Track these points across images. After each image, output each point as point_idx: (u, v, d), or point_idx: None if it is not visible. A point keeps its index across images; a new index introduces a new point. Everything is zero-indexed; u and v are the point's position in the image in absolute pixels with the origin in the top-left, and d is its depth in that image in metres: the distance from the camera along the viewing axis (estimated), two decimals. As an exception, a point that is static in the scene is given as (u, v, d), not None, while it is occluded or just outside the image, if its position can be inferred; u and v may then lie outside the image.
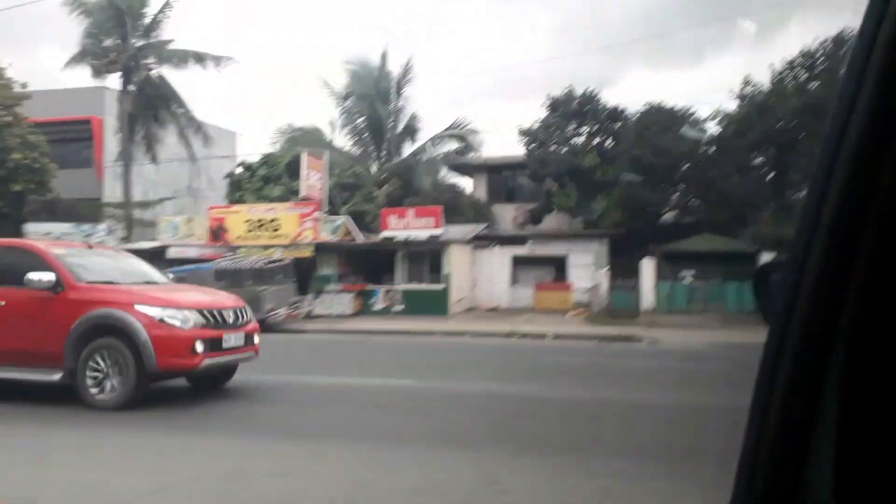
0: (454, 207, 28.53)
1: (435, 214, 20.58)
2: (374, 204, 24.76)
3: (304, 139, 28.67)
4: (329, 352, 14.25)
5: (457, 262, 21.69)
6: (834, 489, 0.72)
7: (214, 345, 7.61)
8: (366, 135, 29.50)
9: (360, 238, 21.44)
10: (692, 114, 24.41)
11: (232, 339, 7.88)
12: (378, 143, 29.57)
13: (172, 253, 21.95)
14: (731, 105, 27.37)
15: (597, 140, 27.39)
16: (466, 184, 32.74)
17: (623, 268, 23.67)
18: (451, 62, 65.91)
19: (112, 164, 27.85)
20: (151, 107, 25.78)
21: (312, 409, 7.74)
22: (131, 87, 25.35)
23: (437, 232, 20.40)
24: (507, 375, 10.57)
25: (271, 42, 73.51)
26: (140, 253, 24.44)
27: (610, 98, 38.81)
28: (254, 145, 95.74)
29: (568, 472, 5.18)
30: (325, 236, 21.23)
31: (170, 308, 7.44)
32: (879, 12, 0.69)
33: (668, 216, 26.38)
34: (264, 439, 6.24)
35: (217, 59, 25.59)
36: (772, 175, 25.84)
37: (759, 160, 26.03)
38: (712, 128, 27.09)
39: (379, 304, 21.04)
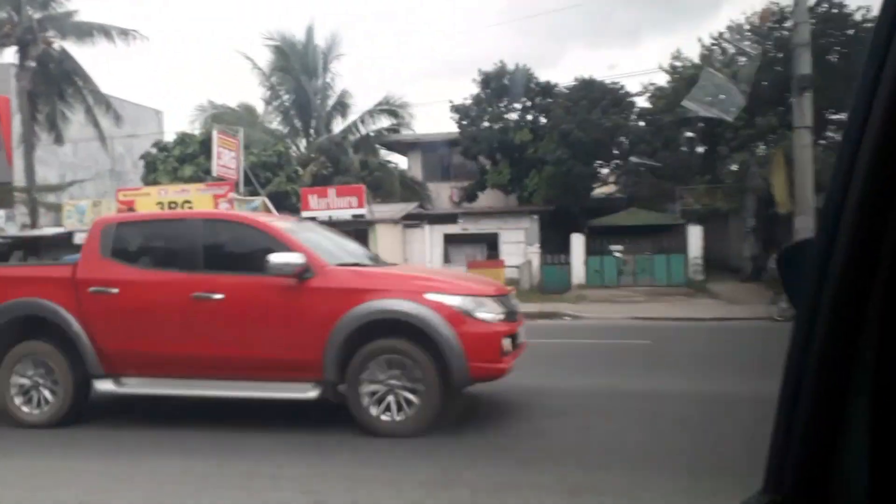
0: (386, 186, 27.80)
1: (358, 193, 19.81)
2: (299, 183, 23.78)
3: (227, 117, 27.31)
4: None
5: (385, 242, 21.01)
6: (868, 479, 0.70)
7: (513, 342, 5.79)
8: (293, 112, 28.31)
9: (281, 219, 20.50)
10: (621, 88, 24.17)
11: (522, 332, 6.12)
12: (306, 121, 28.45)
13: (79, 239, 20.52)
14: (663, 80, 27.50)
15: (530, 116, 27.05)
16: (402, 161, 32.05)
17: (555, 244, 23.44)
18: (388, 38, 64.57)
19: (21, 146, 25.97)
20: (54, 83, 23.99)
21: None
22: (30, 63, 23.50)
23: (361, 211, 19.65)
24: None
25: (196, 16, 70.42)
26: (43, 240, 23.18)
27: (554, 78, 38.62)
28: (181, 124, 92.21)
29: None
30: (244, 218, 20.21)
31: (469, 296, 5.60)
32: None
33: (600, 191, 26.29)
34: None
35: (124, 33, 23.97)
36: (701, 149, 26.00)
37: (688, 135, 26.16)
38: (643, 103, 27.17)
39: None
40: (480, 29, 60.81)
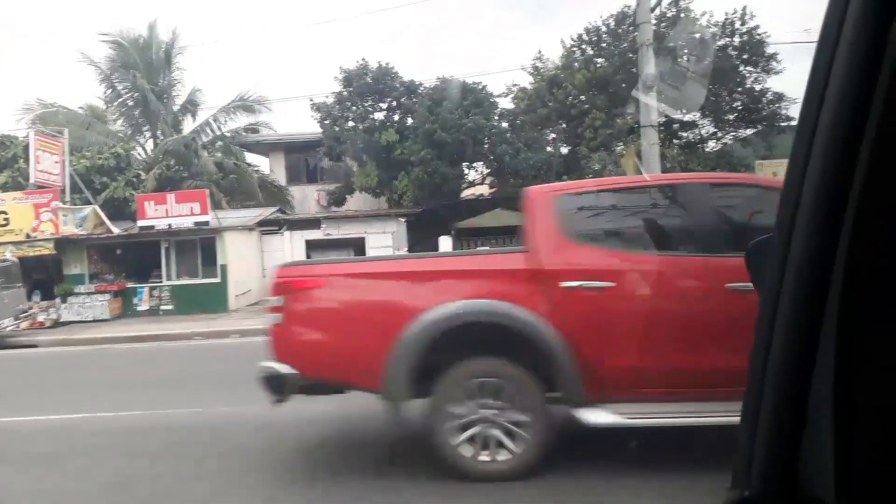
0: (246, 190, 26.06)
1: (200, 199, 18.12)
2: (142, 189, 21.61)
3: (60, 117, 24.45)
4: (36, 372, 11.60)
5: (237, 250, 19.43)
6: (833, 469, 0.72)
7: None
8: (136, 111, 25.86)
9: (115, 229, 18.41)
10: (483, 87, 23.96)
11: None
12: (152, 121, 26.08)
13: None
14: (527, 80, 27.68)
15: (397, 116, 26.30)
16: (263, 163, 30.27)
17: (424, 247, 22.84)
18: (247, 32, 61.64)
19: None
20: None
21: None
22: None
23: (204, 218, 17.99)
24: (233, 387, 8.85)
25: (31, 9, 63.99)
26: None
27: (427, 77, 37.99)
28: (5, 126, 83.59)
29: None
30: (71, 229, 17.93)
31: None
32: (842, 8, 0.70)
33: (470, 192, 26.02)
34: None
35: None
36: (563, 149, 26.36)
37: (551, 136, 26.45)
38: (506, 103, 27.21)
39: (144, 304, 18.25)
40: (350, 23, 59.50)
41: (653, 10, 15.94)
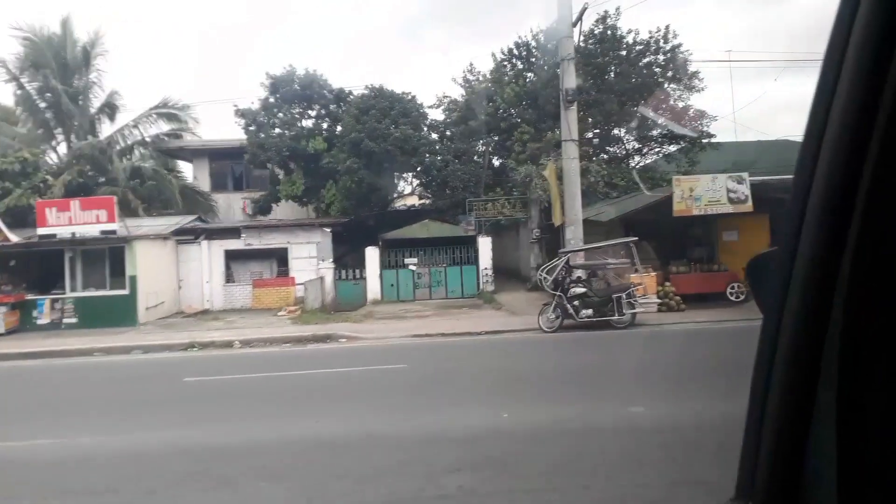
0: (164, 197, 25.01)
1: (107, 206, 17.18)
2: (49, 195, 20.39)
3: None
4: None
5: (150, 261, 18.52)
6: (836, 480, 0.72)
7: None
8: (48, 113, 24.49)
9: (14, 238, 17.26)
10: (413, 97, 23.75)
11: None
12: (65, 123, 24.75)
13: None
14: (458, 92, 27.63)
15: (326, 124, 25.78)
16: (187, 170, 29.19)
17: (351, 258, 22.40)
18: (174, 35, 59.83)
19: None
20: None
21: None
22: None
23: (112, 227, 17.06)
24: (117, 412, 8.26)
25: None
26: None
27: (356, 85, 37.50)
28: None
29: None
30: (-37, 238, 16.72)
31: None
32: (851, 12, 0.71)
33: (401, 203, 25.72)
34: None
35: None
36: (492, 161, 26.41)
37: (481, 148, 26.45)
38: (437, 114, 27.11)
39: (44, 317, 17.14)
40: (294, 32, 58.42)
41: (574, 24, 16.07)
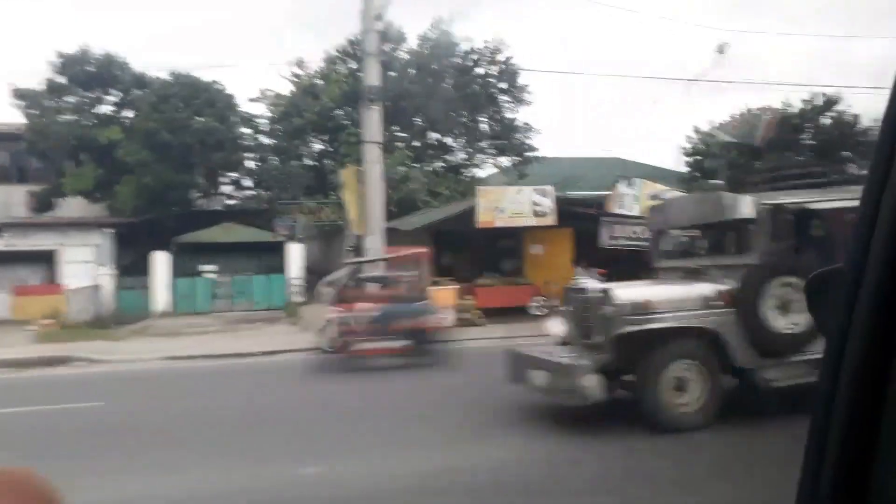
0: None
1: None
2: None
3: None
4: None
5: None
6: None
7: None
8: None
9: None
10: (216, 84, 21.54)
11: None
12: None
13: None
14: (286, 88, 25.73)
15: (130, 113, 22.90)
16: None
17: (138, 263, 19.73)
18: None
19: None
20: None
21: None
22: None
23: None
24: None
25: None
26: None
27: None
28: None
29: None
30: None
31: None
32: None
33: (204, 203, 23.32)
34: None
35: None
36: (317, 162, 24.79)
37: (307, 148, 24.76)
38: (261, 110, 25.11)
39: None
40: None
41: (377, 17, 14.91)
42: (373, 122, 15.03)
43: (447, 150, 25.56)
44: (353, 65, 25.90)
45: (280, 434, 6.49)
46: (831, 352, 0.78)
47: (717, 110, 47.63)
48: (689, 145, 23.01)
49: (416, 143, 23.98)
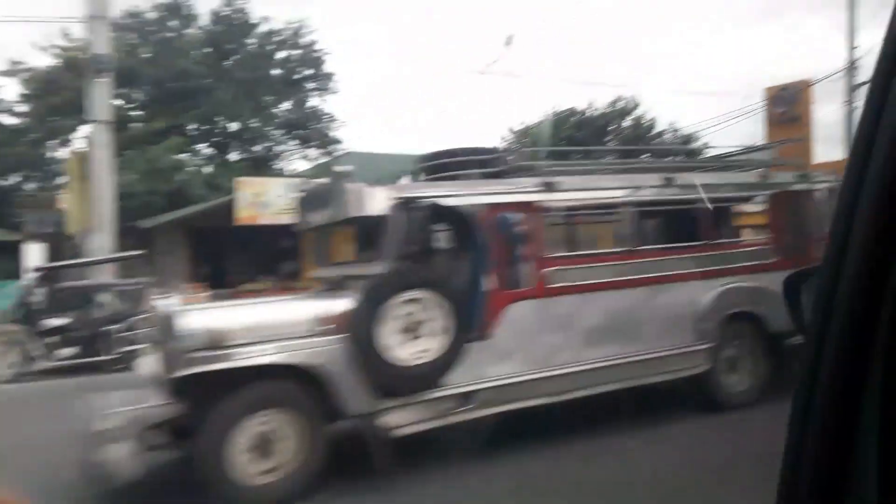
0: None
1: None
2: None
3: None
4: None
5: None
6: (879, 501, 0.71)
7: None
8: None
9: None
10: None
11: None
12: None
13: None
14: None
15: None
16: None
17: None
18: None
19: None
20: None
21: None
22: None
23: None
24: None
25: None
26: None
27: None
28: None
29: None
30: None
31: None
32: None
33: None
34: None
35: None
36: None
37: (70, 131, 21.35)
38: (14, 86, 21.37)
39: None
40: None
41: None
42: (100, 96, 12.53)
43: (246, 140, 23.13)
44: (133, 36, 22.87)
45: None
46: (808, 352, 0.77)
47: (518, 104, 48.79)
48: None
49: (192, 127, 21.35)
